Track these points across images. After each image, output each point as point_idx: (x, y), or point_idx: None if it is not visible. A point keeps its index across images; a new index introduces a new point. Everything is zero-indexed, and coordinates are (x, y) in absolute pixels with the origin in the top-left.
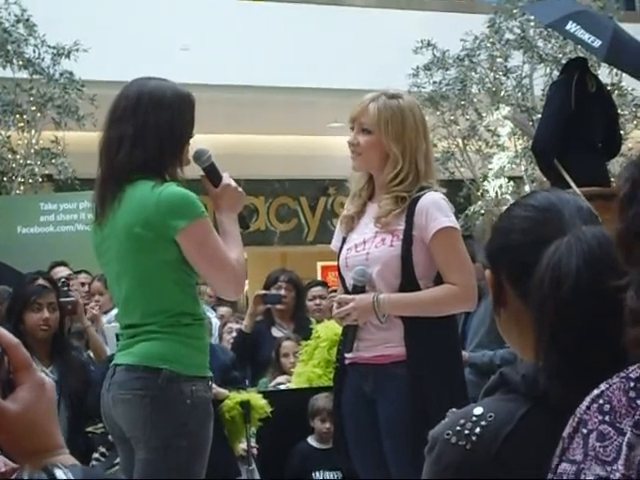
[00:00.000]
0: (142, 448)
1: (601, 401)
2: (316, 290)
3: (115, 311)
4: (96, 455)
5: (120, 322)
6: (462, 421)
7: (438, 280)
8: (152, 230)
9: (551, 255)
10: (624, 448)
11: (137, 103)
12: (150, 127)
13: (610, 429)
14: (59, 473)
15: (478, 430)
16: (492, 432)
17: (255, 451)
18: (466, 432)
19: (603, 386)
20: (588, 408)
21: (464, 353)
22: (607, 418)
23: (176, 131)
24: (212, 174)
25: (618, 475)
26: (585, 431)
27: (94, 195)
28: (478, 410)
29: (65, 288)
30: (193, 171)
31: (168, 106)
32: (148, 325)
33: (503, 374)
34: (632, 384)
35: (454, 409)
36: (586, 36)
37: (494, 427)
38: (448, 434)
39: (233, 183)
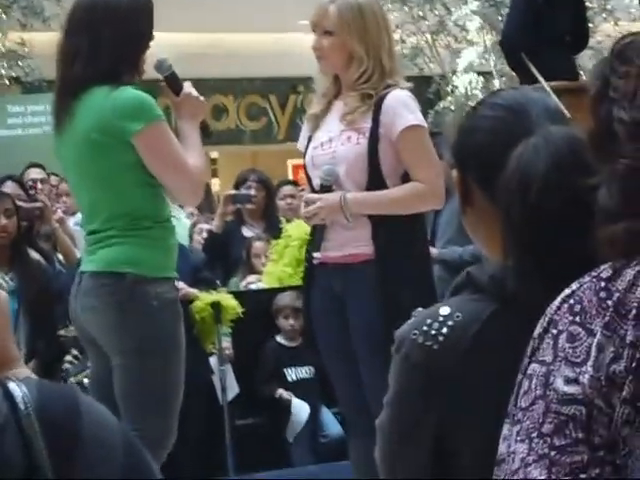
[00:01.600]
0: (116, 354)
1: (572, 301)
2: (287, 189)
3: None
4: (69, 358)
5: (84, 228)
6: (429, 321)
7: (405, 179)
8: (109, 134)
9: (518, 156)
10: (594, 349)
11: (91, 15)
12: (105, 40)
13: (580, 330)
14: (12, 386)
15: (445, 330)
16: (459, 332)
17: (229, 351)
18: (433, 332)
19: (574, 286)
20: (559, 308)
21: (433, 250)
22: (577, 319)
23: (132, 42)
24: (173, 83)
25: (587, 377)
26: (555, 331)
27: (52, 103)
28: (445, 310)
29: (32, 192)
30: (152, 73)
31: (124, 18)
32: (110, 230)
33: (470, 274)
34: (603, 284)
35: (420, 308)
36: None
37: (461, 327)
38: (415, 334)
39: (194, 92)
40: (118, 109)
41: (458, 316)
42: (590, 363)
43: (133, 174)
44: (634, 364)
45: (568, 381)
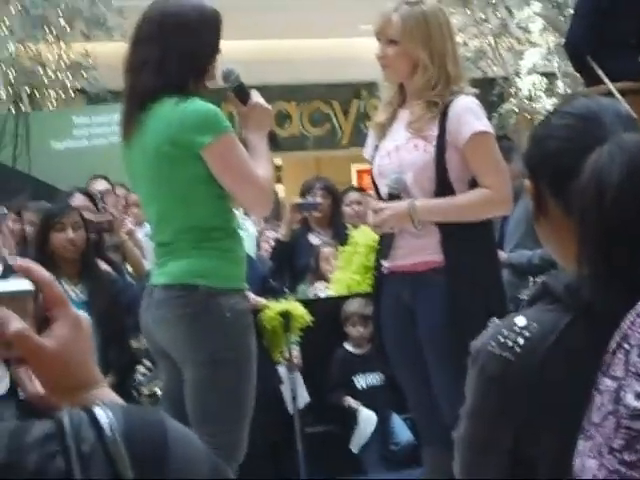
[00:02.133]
0: (189, 367)
1: None
2: (352, 195)
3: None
4: (141, 369)
5: (153, 240)
6: (505, 332)
7: (473, 185)
8: (178, 147)
9: (593, 164)
10: None
11: (160, 27)
12: (174, 52)
13: None
14: (99, 412)
15: (522, 341)
16: (535, 343)
17: (298, 360)
18: (510, 343)
19: None
20: (632, 323)
21: (502, 254)
22: None
23: (200, 55)
24: (240, 93)
25: None
26: (627, 346)
27: (121, 115)
28: (521, 321)
29: (100, 203)
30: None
31: (193, 30)
32: (180, 242)
33: (546, 284)
34: None
35: (496, 319)
36: None
37: (537, 338)
38: (492, 345)
39: (262, 101)
40: (187, 122)
41: (534, 327)
42: None
43: (203, 186)
44: None
45: (639, 396)
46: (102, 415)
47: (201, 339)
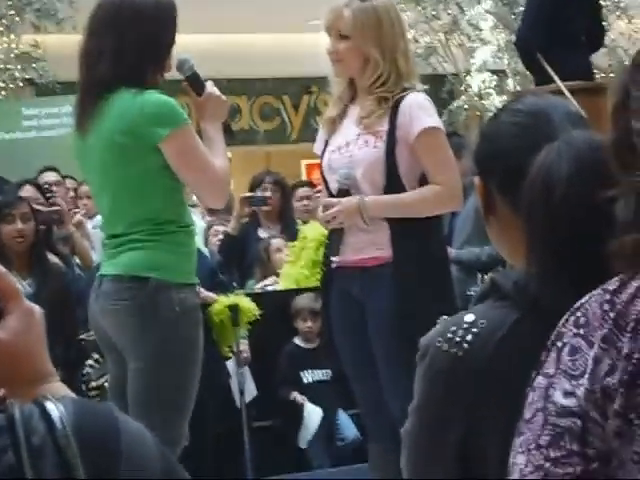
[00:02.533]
0: (134, 358)
1: (579, 313)
2: (303, 191)
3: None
4: (90, 362)
5: (104, 232)
6: (453, 328)
7: (423, 181)
8: (134, 138)
9: (541, 161)
10: (590, 362)
11: (116, 15)
12: (131, 41)
13: (582, 342)
14: (50, 406)
15: (470, 337)
16: (484, 339)
17: (247, 354)
18: (457, 339)
19: (585, 298)
20: (566, 320)
21: (450, 250)
22: (581, 331)
23: (158, 43)
24: (195, 83)
25: (582, 389)
26: (560, 344)
27: (75, 104)
28: (469, 317)
29: (49, 195)
30: (172, 72)
31: (150, 19)
32: (133, 234)
33: (494, 281)
34: (608, 297)
35: (445, 316)
36: None
37: (486, 334)
38: (439, 341)
39: (217, 91)
40: (145, 114)
41: (482, 323)
42: (587, 376)
43: (157, 178)
44: (626, 376)
45: (566, 394)
46: (53, 409)
47: (148, 331)
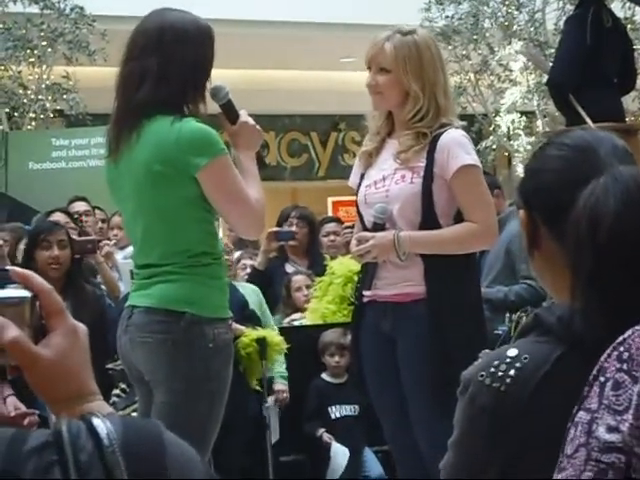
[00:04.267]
0: (162, 392)
1: (622, 349)
2: (330, 226)
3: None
4: (116, 392)
5: (135, 261)
6: (496, 362)
7: (458, 218)
8: (171, 167)
9: (588, 196)
10: (635, 397)
11: (159, 38)
12: (174, 63)
13: (626, 377)
14: (97, 422)
15: (513, 372)
16: (527, 374)
17: (285, 394)
18: (500, 374)
19: (628, 333)
20: (609, 355)
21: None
22: (625, 366)
23: (199, 67)
24: (229, 111)
25: (627, 425)
26: (603, 379)
27: (109, 130)
28: (513, 352)
29: (80, 224)
30: (210, 106)
31: (191, 41)
32: (167, 266)
33: (538, 315)
34: None
35: (487, 350)
36: None
37: (529, 369)
38: (482, 375)
39: (251, 120)
40: (183, 142)
41: (526, 358)
42: (631, 411)
43: (192, 209)
44: None
45: (610, 429)
46: (100, 425)
47: (181, 367)
